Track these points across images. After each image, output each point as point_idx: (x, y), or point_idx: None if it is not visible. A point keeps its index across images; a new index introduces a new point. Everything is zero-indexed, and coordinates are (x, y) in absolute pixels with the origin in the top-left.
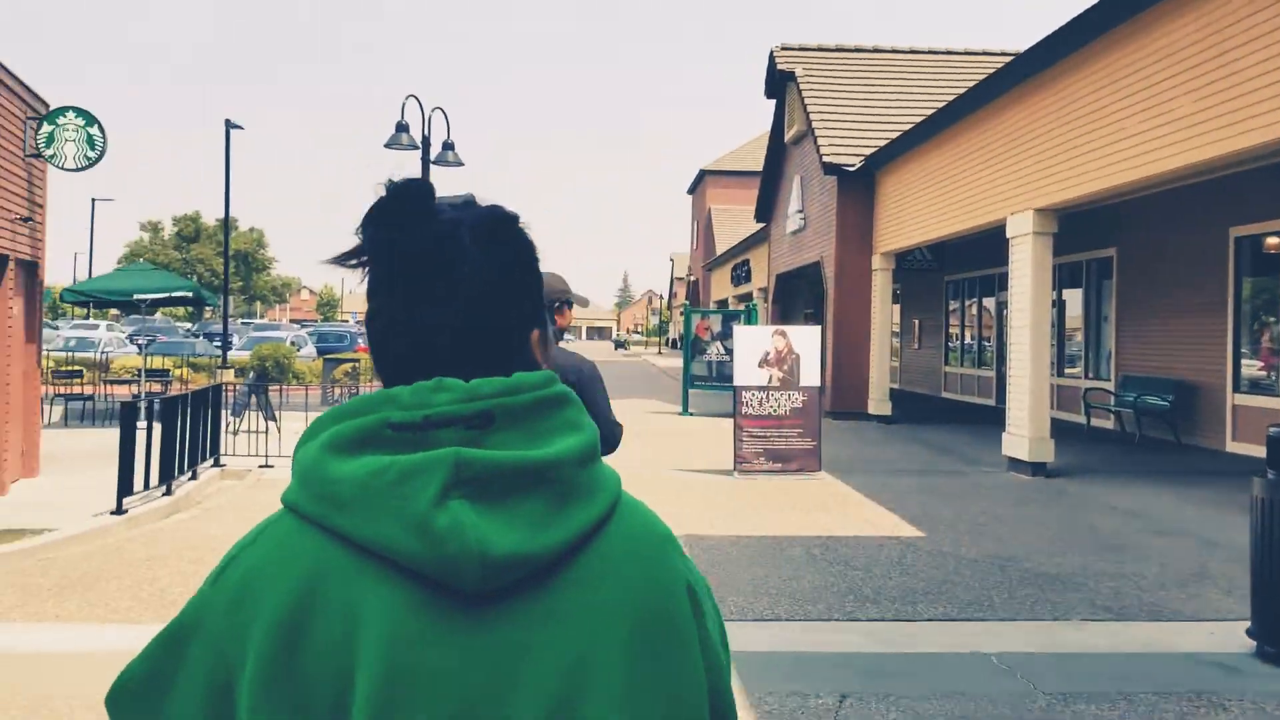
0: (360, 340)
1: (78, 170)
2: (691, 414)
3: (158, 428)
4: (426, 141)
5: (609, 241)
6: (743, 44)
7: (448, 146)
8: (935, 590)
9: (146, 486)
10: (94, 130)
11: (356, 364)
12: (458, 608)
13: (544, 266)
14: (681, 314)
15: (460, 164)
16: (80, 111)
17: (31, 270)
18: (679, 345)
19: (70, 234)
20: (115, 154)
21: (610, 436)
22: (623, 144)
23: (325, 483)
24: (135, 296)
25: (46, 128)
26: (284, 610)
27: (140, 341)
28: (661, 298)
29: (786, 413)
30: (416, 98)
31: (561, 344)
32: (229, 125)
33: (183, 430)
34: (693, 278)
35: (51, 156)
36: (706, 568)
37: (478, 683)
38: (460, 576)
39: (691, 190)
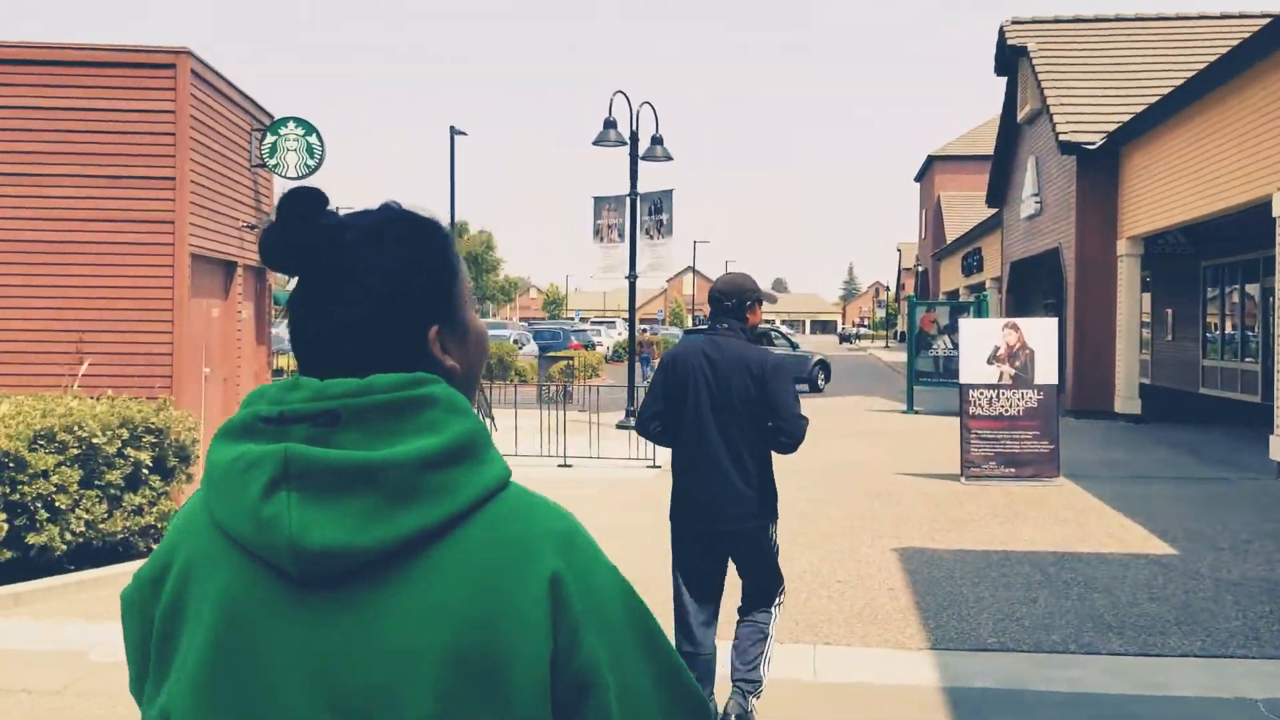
0: (573, 338)
1: (298, 178)
2: (917, 411)
3: None
4: (635, 137)
5: (834, 233)
6: (971, 20)
7: (656, 141)
8: (1191, 620)
9: None
10: (313, 139)
11: (571, 361)
12: (288, 590)
13: (766, 260)
14: (905, 304)
15: (669, 158)
16: (300, 121)
17: (260, 275)
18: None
19: None
20: (345, 161)
21: (794, 431)
22: (847, 131)
23: (208, 465)
24: None
25: (270, 138)
26: (152, 568)
27: None
28: (888, 289)
29: (1019, 413)
30: (624, 93)
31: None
32: (454, 132)
33: None
34: (921, 268)
35: (275, 166)
36: (924, 586)
37: (298, 661)
38: (280, 562)
39: (919, 177)
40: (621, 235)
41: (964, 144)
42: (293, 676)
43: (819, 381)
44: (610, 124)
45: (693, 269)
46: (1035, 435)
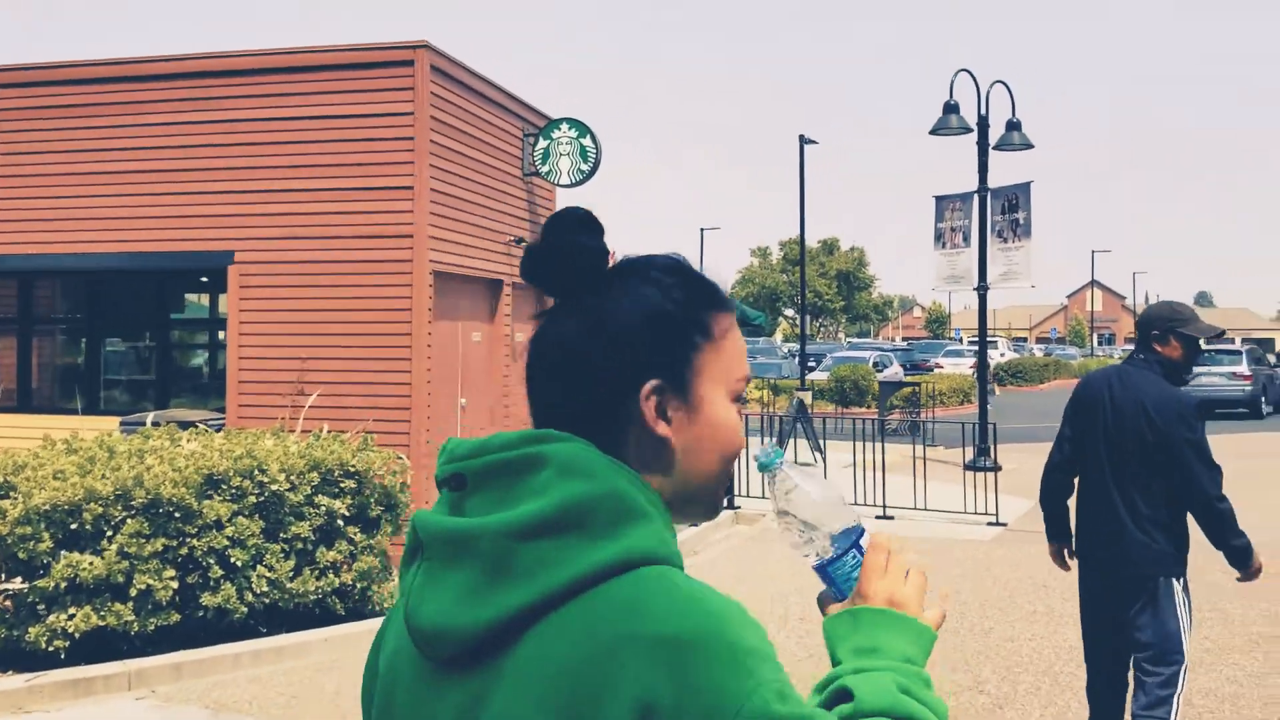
0: (937, 358)
1: (572, 185)
2: None
3: None
4: (984, 122)
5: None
6: None
7: (1013, 126)
8: None
9: None
10: (586, 141)
11: (917, 389)
12: (427, 663)
13: (1187, 271)
14: None
15: (1029, 145)
16: (574, 123)
17: (539, 294)
18: None
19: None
20: (717, 183)
21: (1202, 510)
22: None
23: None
24: None
25: (542, 143)
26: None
27: None
28: None
29: None
30: (970, 72)
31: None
32: (803, 141)
33: None
34: None
35: (548, 173)
36: None
37: None
38: (412, 636)
39: None
40: (967, 239)
41: None
42: None
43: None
44: (951, 108)
45: (1094, 281)
46: None
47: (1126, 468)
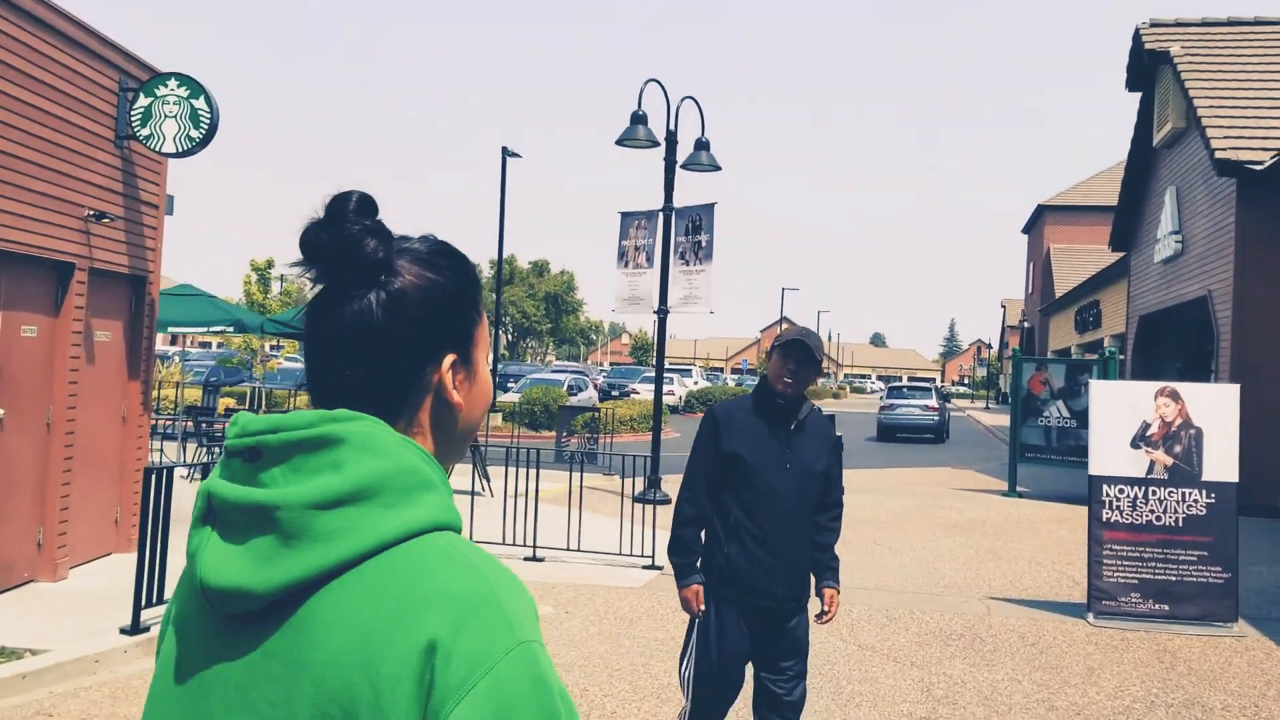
0: (633, 383)
1: (179, 155)
2: (1021, 494)
3: None
4: (672, 137)
5: (935, 286)
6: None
7: (701, 146)
8: None
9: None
10: (199, 103)
11: (597, 414)
12: (217, 620)
13: (864, 313)
14: (1009, 363)
15: (716, 168)
16: (184, 79)
17: (138, 285)
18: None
19: None
20: (411, 192)
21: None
22: (944, 178)
23: None
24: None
25: (143, 101)
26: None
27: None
28: (990, 347)
29: (1178, 522)
30: (659, 82)
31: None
32: (506, 153)
33: None
34: (1027, 324)
35: (148, 138)
36: None
37: (219, 687)
38: (202, 594)
39: (1027, 229)
40: (650, 259)
41: (1079, 193)
42: (215, 700)
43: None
44: (639, 118)
45: (783, 318)
46: (1202, 558)
47: None
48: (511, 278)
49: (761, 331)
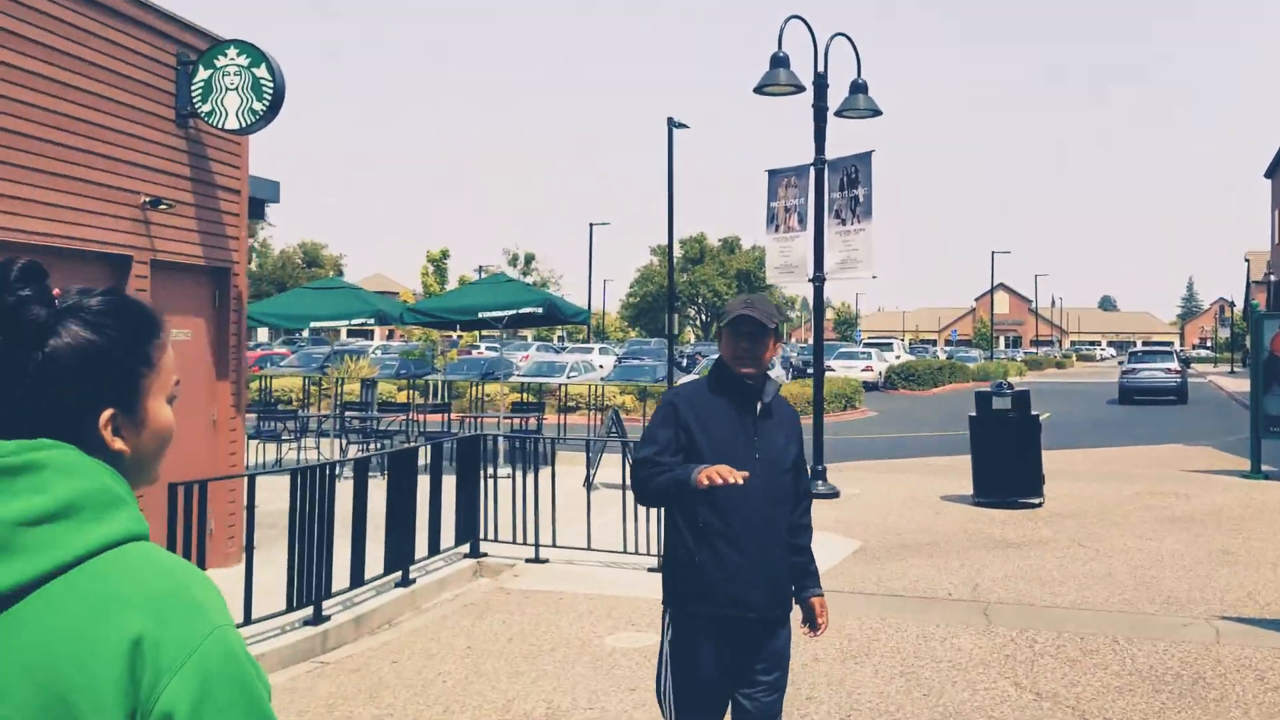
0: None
1: (243, 131)
2: (1267, 475)
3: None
4: (821, 81)
5: (1169, 242)
6: None
7: (858, 88)
8: None
9: (309, 596)
10: (261, 71)
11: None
12: None
13: (1090, 274)
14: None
15: (875, 112)
16: (243, 46)
17: (219, 277)
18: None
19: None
20: (612, 178)
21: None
22: (1172, 121)
23: None
24: (480, 314)
25: (202, 74)
26: None
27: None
28: (1234, 306)
29: None
30: (803, 19)
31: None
32: (671, 124)
33: (397, 500)
34: (1274, 277)
35: (209, 114)
36: None
37: None
38: None
39: (1270, 173)
40: (803, 221)
41: None
42: None
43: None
44: (780, 61)
45: (1002, 285)
46: None
47: None
48: (702, 256)
49: (976, 300)
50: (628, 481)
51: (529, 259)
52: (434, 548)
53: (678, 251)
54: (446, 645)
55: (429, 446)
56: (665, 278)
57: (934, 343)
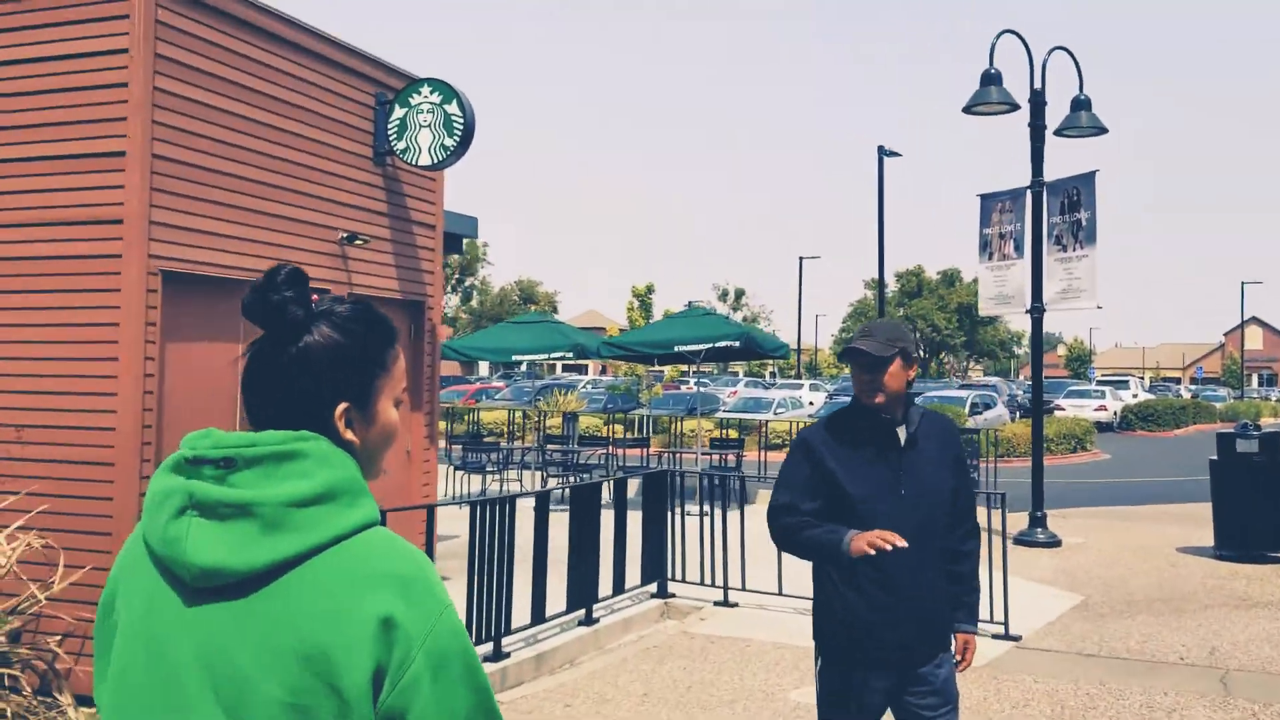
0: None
1: (435, 167)
2: None
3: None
4: (1038, 98)
5: None
6: None
7: (1080, 105)
8: None
9: (489, 632)
10: (452, 108)
11: (975, 436)
12: (187, 595)
13: None
14: None
15: (1100, 130)
16: (436, 84)
17: (415, 311)
18: None
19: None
20: (823, 211)
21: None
22: None
23: (147, 492)
24: (676, 348)
25: (398, 113)
26: (106, 590)
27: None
28: None
29: None
30: (1018, 34)
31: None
32: (882, 153)
33: (577, 534)
34: None
35: (404, 151)
36: None
37: (192, 653)
38: (180, 573)
39: None
40: (1020, 248)
41: None
42: (188, 665)
43: None
44: (991, 78)
45: (1255, 318)
46: None
47: None
48: (919, 290)
49: (1225, 335)
50: None
51: (739, 294)
52: (619, 586)
53: (894, 285)
54: (623, 690)
55: (612, 482)
56: (879, 312)
57: (1178, 381)
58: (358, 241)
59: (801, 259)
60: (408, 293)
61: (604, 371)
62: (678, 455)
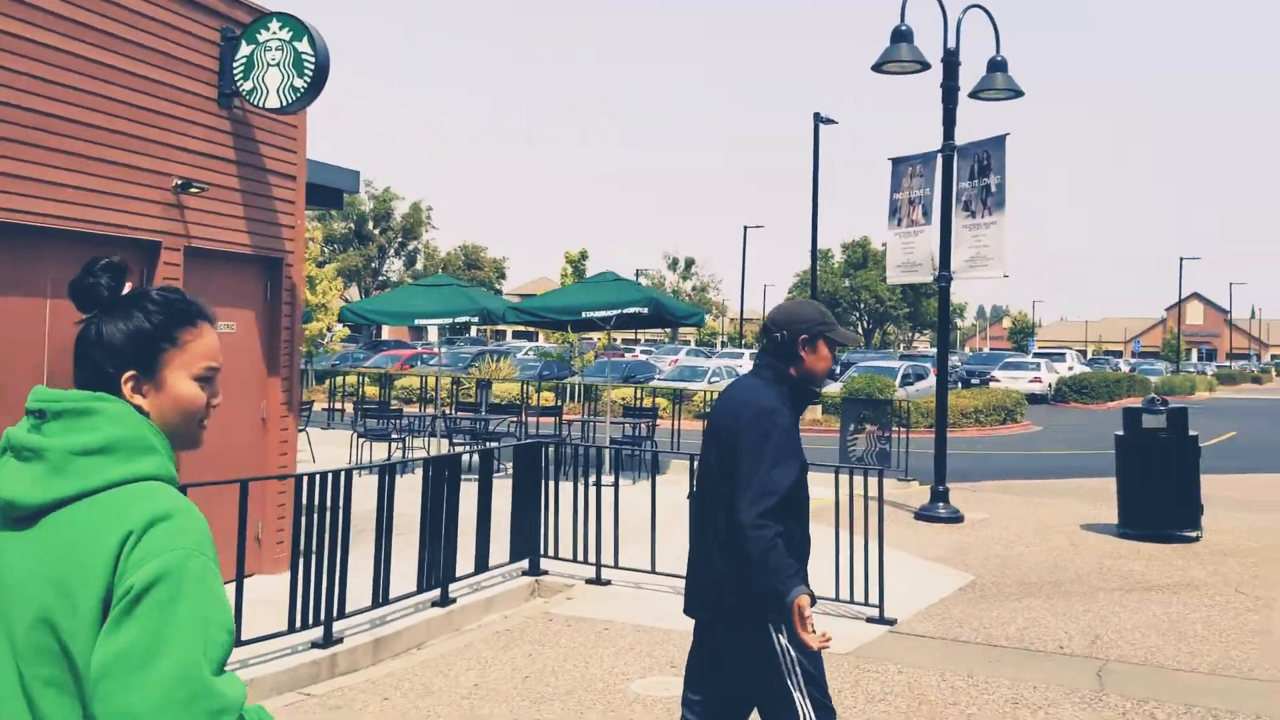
0: (993, 370)
1: (283, 110)
2: None
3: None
4: (951, 58)
5: None
6: None
7: (996, 66)
8: None
9: (319, 615)
10: (303, 45)
11: (890, 405)
12: (4, 521)
13: None
14: None
15: (1016, 93)
16: (285, 19)
17: (271, 268)
18: None
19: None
20: (785, 178)
21: (745, 536)
22: None
23: None
24: (584, 314)
25: (245, 49)
26: None
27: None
28: None
29: None
30: None
31: None
32: (818, 120)
33: (432, 509)
34: None
35: (250, 92)
36: None
37: (15, 572)
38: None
39: None
40: (928, 214)
41: None
42: (15, 581)
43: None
44: (902, 35)
45: (1195, 294)
46: None
47: (714, 493)
48: (865, 260)
49: (1166, 310)
50: None
51: (689, 263)
52: (482, 564)
53: (839, 256)
54: (453, 680)
55: (477, 454)
56: (825, 283)
57: (1119, 354)
58: (193, 189)
59: (746, 228)
60: (261, 248)
61: (541, 339)
62: (594, 425)
